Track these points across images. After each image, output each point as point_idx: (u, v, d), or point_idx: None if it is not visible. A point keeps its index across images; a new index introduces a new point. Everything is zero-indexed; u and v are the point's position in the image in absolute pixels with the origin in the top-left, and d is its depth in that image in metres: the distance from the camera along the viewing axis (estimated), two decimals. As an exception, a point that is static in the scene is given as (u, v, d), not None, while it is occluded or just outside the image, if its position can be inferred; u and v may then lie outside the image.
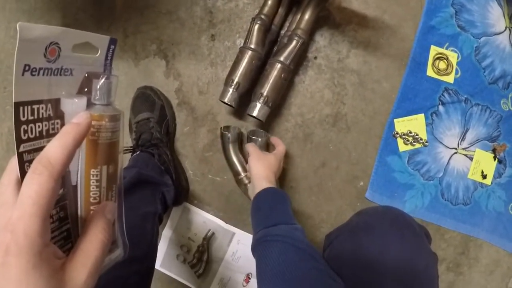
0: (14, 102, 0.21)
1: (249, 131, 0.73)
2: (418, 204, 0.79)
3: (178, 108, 0.77)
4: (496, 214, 0.86)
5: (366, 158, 0.75)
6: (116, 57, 0.86)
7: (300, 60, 0.74)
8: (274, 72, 0.70)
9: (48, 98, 0.24)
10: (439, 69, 0.79)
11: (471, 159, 0.82)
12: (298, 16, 0.72)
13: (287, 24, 0.74)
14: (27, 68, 0.21)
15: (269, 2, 0.72)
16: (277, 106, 0.73)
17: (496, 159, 0.84)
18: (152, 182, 0.66)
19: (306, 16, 0.71)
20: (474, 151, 0.82)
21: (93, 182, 0.25)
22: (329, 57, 0.74)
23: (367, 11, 0.73)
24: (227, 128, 0.73)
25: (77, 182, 0.26)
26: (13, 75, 0.21)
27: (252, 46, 0.71)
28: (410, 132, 0.77)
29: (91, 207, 0.26)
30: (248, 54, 0.71)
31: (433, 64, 0.79)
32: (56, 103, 0.24)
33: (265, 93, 0.69)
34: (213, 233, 0.77)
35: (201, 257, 0.76)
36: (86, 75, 0.26)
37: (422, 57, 0.78)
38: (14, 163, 0.22)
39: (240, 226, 0.79)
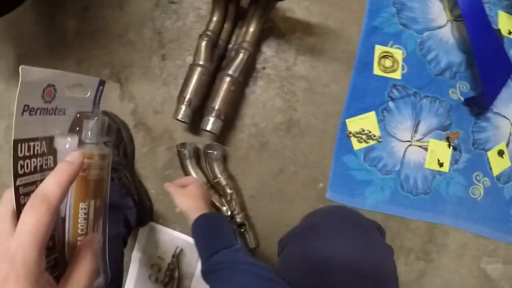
0: (13, 140, 0.23)
1: (205, 145, 0.74)
2: (379, 199, 0.82)
3: (135, 130, 0.78)
4: (458, 199, 0.89)
5: (323, 160, 0.78)
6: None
7: (249, 71, 0.76)
8: (224, 86, 0.72)
9: (43, 136, 0.26)
10: (385, 67, 0.83)
11: (426, 149, 0.85)
12: (244, 30, 0.75)
13: (234, 38, 0.76)
14: (26, 108, 0.23)
15: (214, 19, 0.74)
16: (230, 118, 0.74)
17: (451, 147, 0.87)
18: (113, 205, 0.67)
19: (251, 29, 0.74)
20: (428, 142, 0.85)
21: (81, 215, 0.27)
22: (277, 66, 0.76)
23: (310, 18, 0.76)
24: (183, 145, 0.74)
25: (65, 214, 0.28)
26: (13, 115, 0.22)
27: (201, 63, 0.72)
28: (363, 130, 0.79)
29: (79, 238, 0.28)
30: (198, 71, 0.72)
31: (379, 63, 0.82)
32: (50, 140, 0.27)
33: (216, 107, 0.71)
34: (181, 250, 0.77)
35: (172, 275, 0.77)
36: (78, 115, 0.29)
37: (367, 57, 0.81)
38: (8, 196, 0.24)
39: (210, 239, 0.80)
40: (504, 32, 0.94)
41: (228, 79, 0.72)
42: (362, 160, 0.80)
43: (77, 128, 0.28)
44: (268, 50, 0.76)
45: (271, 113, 0.76)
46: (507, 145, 0.92)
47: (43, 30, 0.89)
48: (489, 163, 0.90)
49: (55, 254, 0.27)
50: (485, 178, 0.89)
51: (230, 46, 0.76)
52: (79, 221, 0.27)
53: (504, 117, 0.91)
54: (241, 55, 0.73)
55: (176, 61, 0.77)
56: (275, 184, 0.77)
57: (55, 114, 0.26)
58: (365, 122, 0.80)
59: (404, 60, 0.85)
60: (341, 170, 0.79)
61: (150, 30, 0.77)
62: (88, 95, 0.29)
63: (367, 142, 0.80)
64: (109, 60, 0.79)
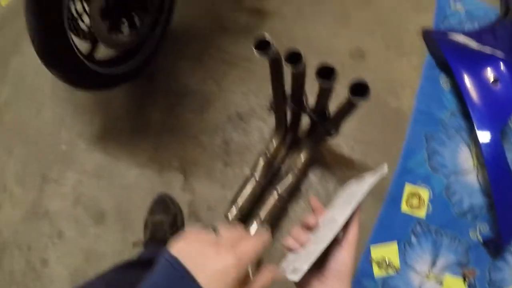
0: None
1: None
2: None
3: (187, 218, 0.96)
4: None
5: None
6: (144, 166, 1.04)
7: (294, 192, 0.93)
8: (271, 200, 0.90)
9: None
10: (412, 205, 0.98)
11: (441, 284, 0.97)
12: (296, 156, 0.94)
13: (287, 161, 0.95)
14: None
15: (274, 143, 0.94)
16: (271, 228, 0.91)
17: (466, 284, 0.98)
18: None
19: (302, 158, 0.93)
20: (444, 276, 0.97)
21: None
22: (319, 191, 0.94)
23: (353, 155, 0.94)
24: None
25: None
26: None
27: (257, 177, 0.91)
28: (384, 259, 0.93)
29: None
30: (252, 183, 0.91)
31: (407, 201, 0.98)
32: None
33: (262, 216, 0.88)
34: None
35: None
36: None
37: (397, 194, 0.97)
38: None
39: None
40: (529, 177, 1.08)
41: (276, 194, 0.89)
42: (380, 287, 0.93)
43: None
44: (313, 176, 0.94)
45: (307, 230, 0.92)
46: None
47: (131, 112, 1.12)
48: (504, 302, 0.98)
49: None
50: (500, 317, 0.98)
51: (283, 167, 0.95)
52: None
53: (522, 259, 1.01)
54: (290, 178, 0.91)
55: (236, 169, 0.96)
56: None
57: None
58: (387, 251, 0.94)
59: (430, 200, 1.00)
60: (361, 292, 0.91)
61: (220, 139, 0.98)
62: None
63: (386, 271, 0.93)
64: (180, 155, 1.00)
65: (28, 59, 1.30)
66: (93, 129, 1.14)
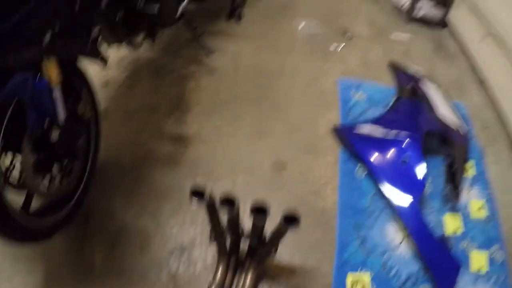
0: None
1: None
2: None
3: None
4: None
5: None
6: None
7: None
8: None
9: None
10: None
11: None
12: (242, 277, 1.02)
13: (235, 282, 1.03)
14: None
15: (220, 270, 1.02)
16: None
17: None
18: None
19: (248, 277, 1.01)
20: None
21: None
22: (270, 305, 1.02)
23: (294, 262, 1.05)
24: None
25: None
26: None
27: (209, 305, 0.97)
28: None
29: None
30: (206, 311, 0.97)
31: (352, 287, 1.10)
32: None
33: None
34: None
35: None
36: None
37: (341, 286, 1.09)
38: None
39: None
40: (451, 232, 1.27)
41: (230, 318, 0.96)
42: None
43: None
44: (263, 293, 1.03)
45: None
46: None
47: (71, 257, 1.13)
48: None
49: None
50: None
51: (233, 290, 1.03)
52: None
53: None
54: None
55: (188, 303, 1.01)
56: None
57: None
58: None
59: (372, 279, 1.12)
60: None
61: (166, 274, 1.03)
62: None
63: None
64: (130, 298, 1.03)
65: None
66: (35, 279, 1.12)
